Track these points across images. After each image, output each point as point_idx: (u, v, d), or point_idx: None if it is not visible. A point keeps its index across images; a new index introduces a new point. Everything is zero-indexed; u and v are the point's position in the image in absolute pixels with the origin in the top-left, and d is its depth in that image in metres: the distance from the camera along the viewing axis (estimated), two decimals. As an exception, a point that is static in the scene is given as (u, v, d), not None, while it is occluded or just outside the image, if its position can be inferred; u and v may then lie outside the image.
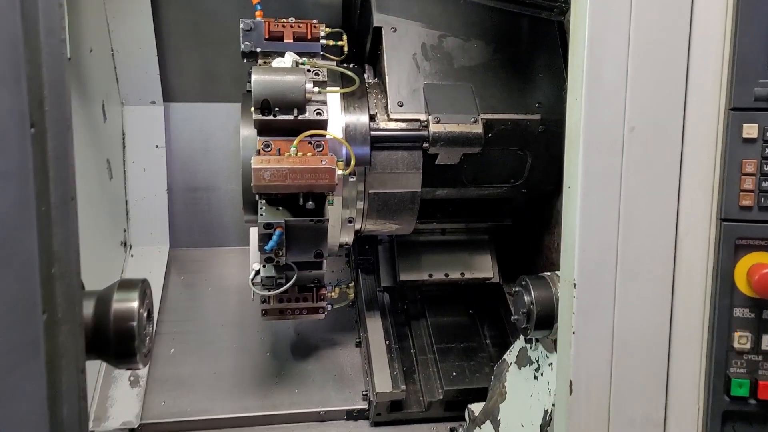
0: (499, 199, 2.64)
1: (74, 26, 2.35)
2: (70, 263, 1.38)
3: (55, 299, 1.34)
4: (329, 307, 2.33)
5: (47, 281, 1.30)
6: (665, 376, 1.46)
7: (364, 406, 2.56)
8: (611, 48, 1.36)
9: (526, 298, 1.86)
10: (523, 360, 2.11)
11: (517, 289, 1.95)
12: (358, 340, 2.76)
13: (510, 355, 2.19)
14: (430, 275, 2.70)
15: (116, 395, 2.47)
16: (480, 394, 2.45)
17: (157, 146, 3.00)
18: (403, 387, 2.45)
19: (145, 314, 1.77)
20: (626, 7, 1.35)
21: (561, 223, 2.51)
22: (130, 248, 2.99)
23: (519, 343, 2.14)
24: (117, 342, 1.69)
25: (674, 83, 1.40)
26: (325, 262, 2.13)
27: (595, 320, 1.43)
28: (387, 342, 2.61)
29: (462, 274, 2.71)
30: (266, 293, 2.18)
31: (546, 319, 1.82)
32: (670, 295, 1.44)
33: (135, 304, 1.71)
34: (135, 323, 1.68)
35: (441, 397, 2.48)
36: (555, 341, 1.88)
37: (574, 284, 1.43)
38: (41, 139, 1.30)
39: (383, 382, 2.45)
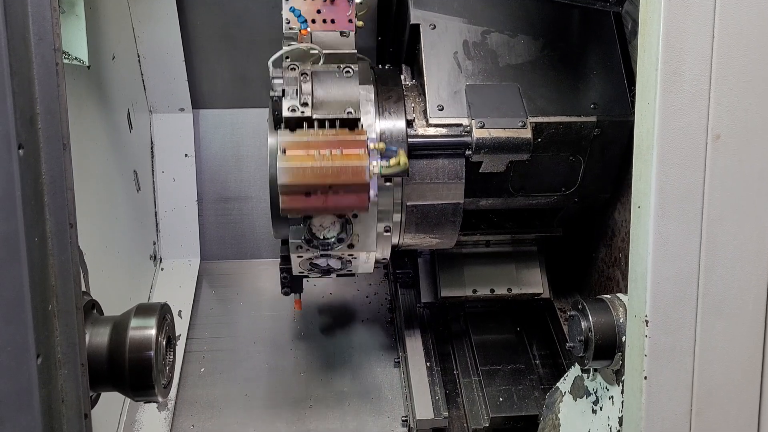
0: (549, 209, 2.46)
1: (96, 33, 2.27)
2: (70, 297, 1.26)
3: (52, 340, 1.22)
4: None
5: (42, 321, 1.18)
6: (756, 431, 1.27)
7: (403, 432, 2.45)
8: (692, 40, 1.18)
9: (583, 324, 1.75)
10: (578, 391, 1.95)
11: (573, 313, 1.81)
12: (396, 359, 2.64)
13: (564, 384, 2.04)
14: (474, 291, 2.57)
15: (143, 419, 2.40)
16: (529, 423, 2.32)
17: (186, 155, 2.94)
18: (446, 414, 2.33)
19: (165, 342, 1.65)
20: (710, -9, 1.14)
21: (618, 235, 2.37)
22: (160, 261, 2.92)
23: (574, 370, 2.00)
24: (133, 373, 1.57)
25: (769, 81, 1.19)
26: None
27: (671, 364, 1.27)
28: (428, 363, 2.49)
29: (509, 289, 2.57)
30: None
31: (606, 349, 1.70)
32: (763, 335, 1.26)
33: (152, 332, 1.59)
34: (152, 352, 1.56)
35: (487, 425, 2.36)
36: (616, 372, 1.73)
37: (646, 321, 1.24)
38: (33, 161, 1.17)
39: (424, 408, 2.33)
